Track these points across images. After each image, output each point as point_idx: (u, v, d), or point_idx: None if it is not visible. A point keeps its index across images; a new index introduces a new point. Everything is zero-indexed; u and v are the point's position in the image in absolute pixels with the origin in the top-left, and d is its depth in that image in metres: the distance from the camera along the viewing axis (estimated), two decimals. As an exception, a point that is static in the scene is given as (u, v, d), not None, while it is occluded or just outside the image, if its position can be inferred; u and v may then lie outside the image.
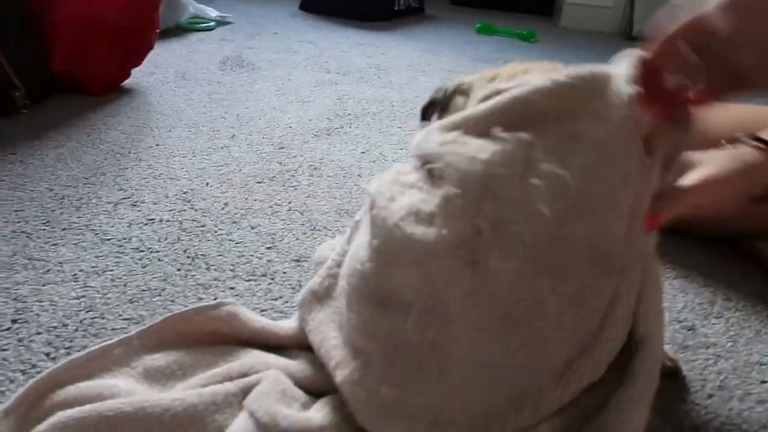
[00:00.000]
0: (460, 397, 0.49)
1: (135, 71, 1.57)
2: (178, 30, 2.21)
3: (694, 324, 0.80)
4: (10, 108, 1.28)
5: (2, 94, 1.26)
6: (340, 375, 0.53)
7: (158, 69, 1.71)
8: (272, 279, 0.81)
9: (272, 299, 0.77)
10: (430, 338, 0.48)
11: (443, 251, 0.47)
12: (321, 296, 0.63)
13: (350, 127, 1.42)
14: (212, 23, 2.33)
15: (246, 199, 1.03)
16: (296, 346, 0.63)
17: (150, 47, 1.56)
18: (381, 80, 1.84)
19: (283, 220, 0.97)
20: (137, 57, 1.55)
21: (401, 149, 1.31)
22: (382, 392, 0.49)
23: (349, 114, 1.51)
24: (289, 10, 2.88)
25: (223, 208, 0.99)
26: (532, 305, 0.47)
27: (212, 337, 0.63)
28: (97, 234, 0.88)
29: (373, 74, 1.89)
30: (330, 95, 1.64)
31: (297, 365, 0.59)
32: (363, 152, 1.28)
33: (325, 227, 0.96)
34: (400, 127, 1.45)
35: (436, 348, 0.48)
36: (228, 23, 2.42)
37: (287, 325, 0.65)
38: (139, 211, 0.95)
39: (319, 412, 0.53)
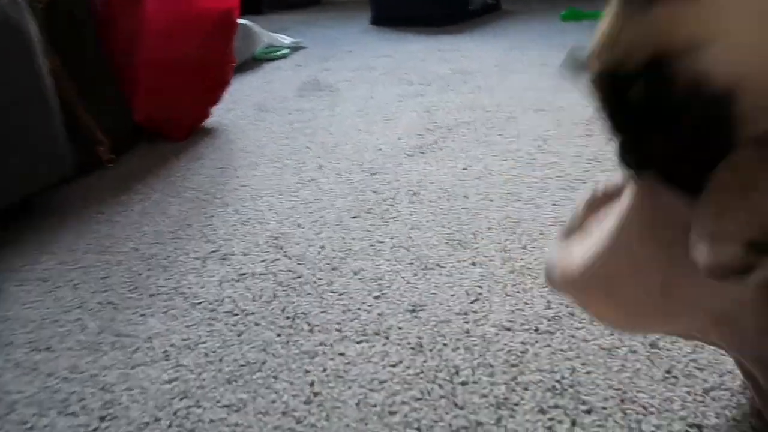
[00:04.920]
0: None
1: (214, 110, 1.52)
2: (254, 62, 2.17)
3: None
4: (96, 164, 1.25)
5: (87, 151, 1.22)
6: None
7: (237, 104, 1.65)
8: (386, 338, 0.68)
9: (390, 365, 0.64)
10: None
11: None
12: None
13: (444, 141, 1.27)
14: (287, 50, 2.28)
15: (343, 238, 0.91)
16: None
17: (227, 83, 1.50)
18: (468, 85, 1.68)
19: (388, 260, 0.84)
20: (215, 95, 1.49)
21: (505, 160, 1.15)
22: None
23: (441, 127, 1.36)
24: (360, 26, 2.79)
25: (319, 253, 0.87)
26: None
27: None
28: (186, 298, 0.78)
29: (459, 80, 1.74)
30: (416, 108, 1.51)
31: None
32: (464, 169, 1.13)
33: (438, 264, 0.82)
34: (500, 135, 1.29)
35: None
36: (302, 48, 2.36)
37: None
38: (229, 265, 0.85)
39: None
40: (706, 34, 0.30)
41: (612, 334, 0.66)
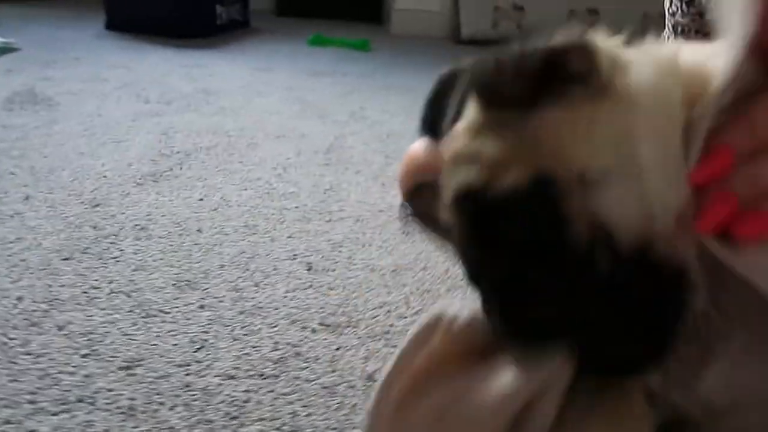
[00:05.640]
0: None
1: None
2: (-54, 62, 1.79)
3: None
4: None
5: None
6: None
7: None
8: (92, 404, 0.61)
9: (94, 437, 0.57)
10: None
11: None
12: None
13: (181, 169, 1.21)
14: (-7, 51, 1.94)
15: (49, 286, 0.79)
16: None
17: None
18: (211, 106, 1.63)
19: (103, 309, 0.75)
20: None
21: (245, 190, 1.14)
22: None
23: (179, 152, 1.29)
24: (93, 30, 2.51)
25: (15, 306, 0.74)
26: None
27: None
28: None
29: (202, 100, 1.68)
30: (152, 130, 1.40)
31: None
32: (201, 199, 1.08)
33: (161, 310, 0.76)
34: (241, 162, 1.27)
35: None
36: (14, 50, 2.03)
37: None
38: None
39: None
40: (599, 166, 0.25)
41: (333, 371, 0.69)
